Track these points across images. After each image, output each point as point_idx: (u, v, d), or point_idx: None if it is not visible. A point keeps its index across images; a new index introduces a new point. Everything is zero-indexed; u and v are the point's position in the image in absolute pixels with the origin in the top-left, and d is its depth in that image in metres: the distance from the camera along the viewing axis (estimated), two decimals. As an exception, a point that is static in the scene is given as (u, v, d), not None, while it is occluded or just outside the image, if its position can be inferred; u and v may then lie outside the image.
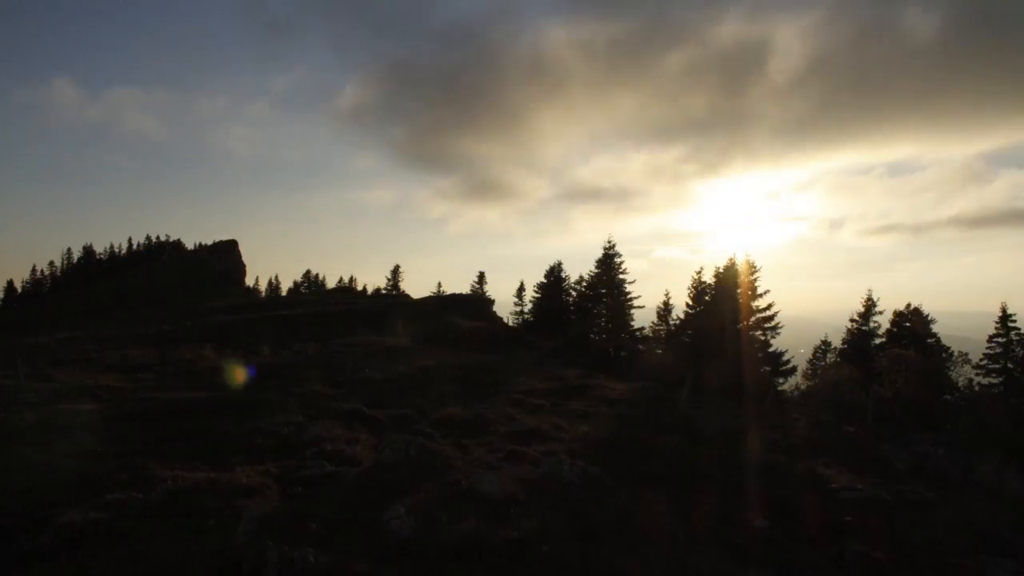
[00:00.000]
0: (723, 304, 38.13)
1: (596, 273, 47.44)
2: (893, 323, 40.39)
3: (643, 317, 46.64)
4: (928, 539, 9.58)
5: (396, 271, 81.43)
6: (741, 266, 39.31)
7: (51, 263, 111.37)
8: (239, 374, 21.64)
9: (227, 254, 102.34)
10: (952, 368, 38.40)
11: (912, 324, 39.67)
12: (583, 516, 7.89)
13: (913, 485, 13.32)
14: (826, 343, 43.45)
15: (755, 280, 39.16)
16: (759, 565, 7.70)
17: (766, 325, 38.94)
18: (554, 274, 52.21)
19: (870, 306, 40.53)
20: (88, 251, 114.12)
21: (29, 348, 28.41)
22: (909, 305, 41.20)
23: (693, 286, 41.50)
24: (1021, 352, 38.56)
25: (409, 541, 6.79)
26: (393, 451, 10.40)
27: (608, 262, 46.88)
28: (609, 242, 47.11)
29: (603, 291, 46.84)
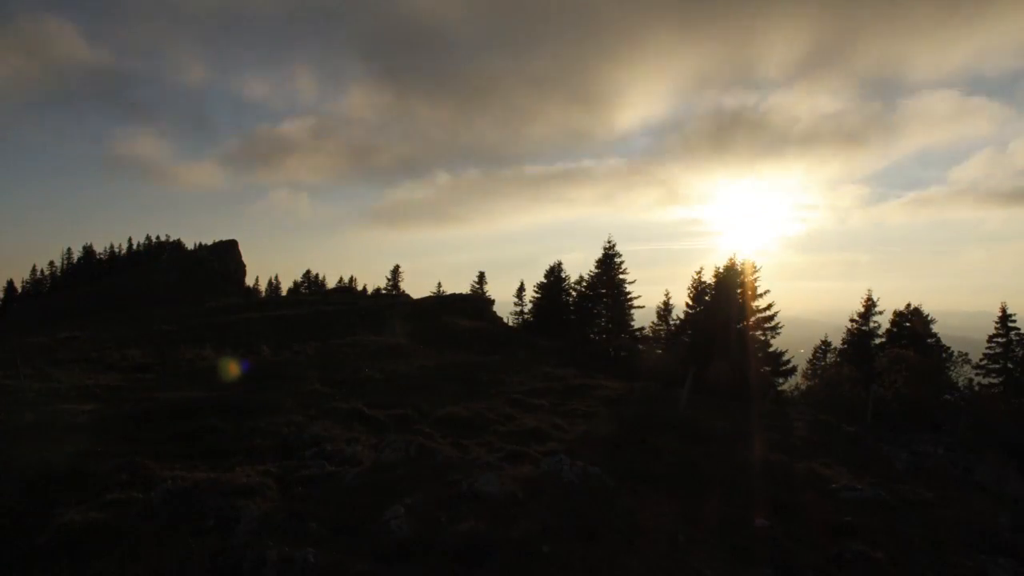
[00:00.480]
0: (723, 304, 38.17)
1: (596, 273, 47.54)
2: (893, 323, 40.46)
3: (643, 317, 46.73)
4: (928, 539, 9.58)
5: (396, 271, 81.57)
6: (741, 266, 39.38)
7: (51, 263, 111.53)
8: (232, 368, 21.82)
9: (227, 254, 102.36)
10: (952, 368, 38.45)
11: (912, 324, 39.71)
12: (583, 516, 7.89)
13: (913, 485, 13.33)
14: (826, 343, 43.51)
15: (755, 280, 39.23)
16: (759, 565, 7.71)
17: (766, 325, 39.02)
18: (554, 274, 52.31)
19: (870, 306, 40.62)
20: (88, 251, 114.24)
21: (29, 348, 28.43)
22: (909, 305, 41.26)
23: (693, 286, 41.59)
24: (1021, 352, 38.62)
25: (409, 541, 6.79)
26: (393, 451, 10.40)
27: (608, 262, 46.95)
28: (609, 242, 47.20)
29: (603, 291, 46.91)
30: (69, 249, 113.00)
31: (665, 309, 44.63)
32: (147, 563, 6.27)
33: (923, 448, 18.44)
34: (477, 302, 58.98)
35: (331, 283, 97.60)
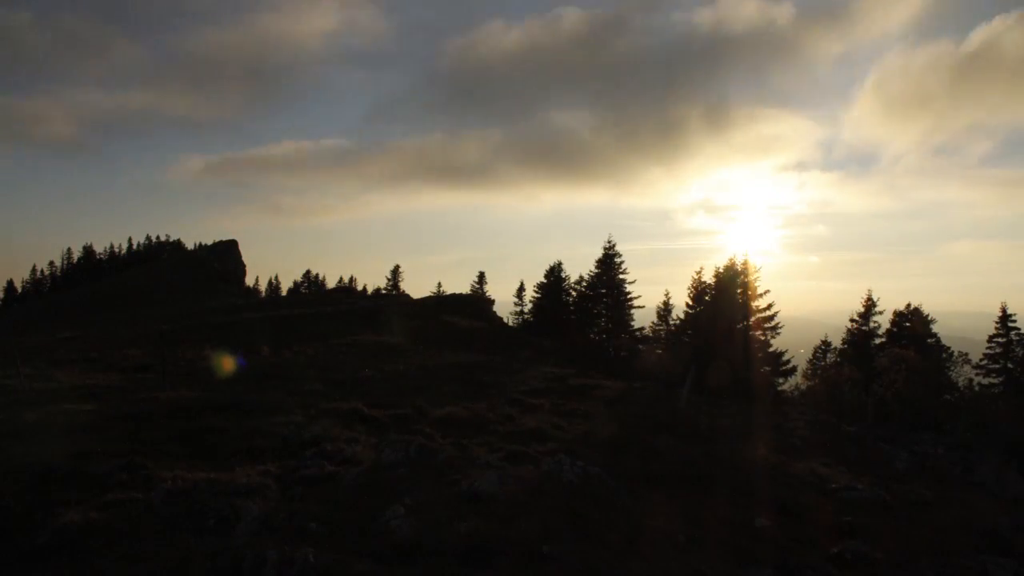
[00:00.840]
0: (723, 304, 38.19)
1: (596, 273, 47.52)
2: (893, 323, 40.43)
3: (643, 317, 46.72)
4: (928, 539, 9.58)
5: (396, 271, 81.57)
6: (741, 266, 39.38)
7: (51, 263, 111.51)
8: (232, 368, 21.83)
9: (227, 254, 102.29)
10: (952, 368, 38.41)
11: (912, 324, 39.69)
12: (583, 516, 7.89)
13: (913, 485, 13.33)
14: (826, 343, 43.48)
15: (755, 280, 39.24)
16: (760, 565, 7.71)
17: (766, 325, 39.03)
18: (554, 274, 52.28)
19: (870, 306, 40.60)
20: (88, 251, 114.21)
21: (29, 348, 28.41)
22: (909, 305, 41.24)
23: (693, 286, 41.59)
24: (1021, 352, 38.59)
25: (409, 541, 6.79)
26: (393, 451, 10.40)
27: (608, 262, 46.94)
28: (609, 242, 47.17)
29: (603, 291, 46.92)
30: (69, 249, 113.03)
31: (665, 309, 44.63)
32: (147, 563, 6.26)
33: (923, 448, 18.43)
34: (477, 302, 58.94)
35: (331, 283, 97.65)
